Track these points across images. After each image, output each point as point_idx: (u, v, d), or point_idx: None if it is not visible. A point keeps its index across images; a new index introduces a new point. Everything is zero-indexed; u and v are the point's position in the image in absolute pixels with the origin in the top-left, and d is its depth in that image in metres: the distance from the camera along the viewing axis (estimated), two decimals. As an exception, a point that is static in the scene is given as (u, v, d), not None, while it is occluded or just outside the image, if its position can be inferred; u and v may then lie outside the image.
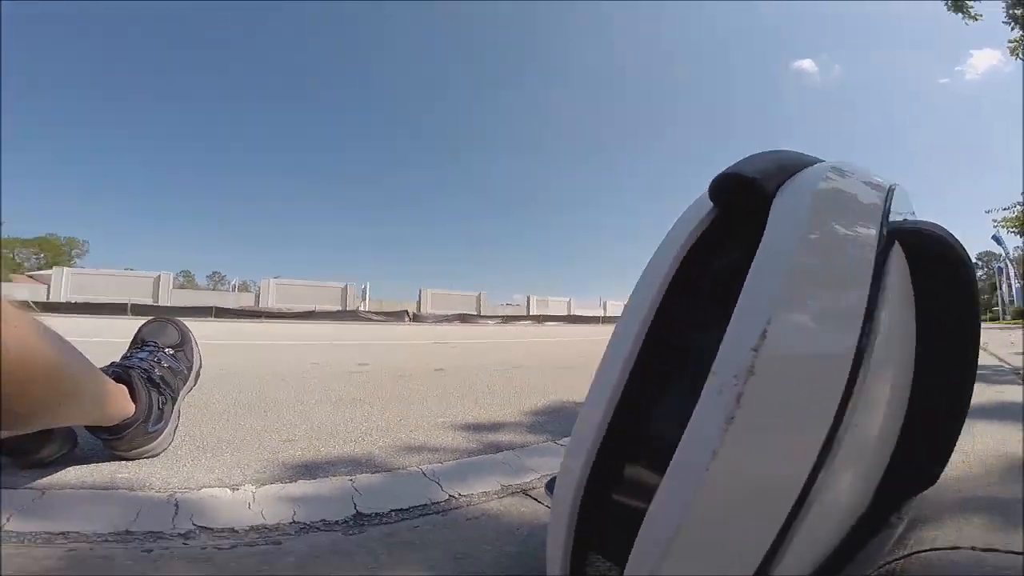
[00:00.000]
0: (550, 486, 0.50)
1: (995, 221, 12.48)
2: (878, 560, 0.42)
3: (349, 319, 20.10)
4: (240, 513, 0.72)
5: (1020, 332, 6.16)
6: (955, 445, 0.40)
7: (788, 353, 0.22)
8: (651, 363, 0.28)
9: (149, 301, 18.85)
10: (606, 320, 32.61)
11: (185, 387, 1.10)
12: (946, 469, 0.79)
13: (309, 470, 0.94)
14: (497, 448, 1.16)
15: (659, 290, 0.29)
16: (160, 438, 0.95)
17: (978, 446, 0.95)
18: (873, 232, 0.28)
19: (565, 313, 34.32)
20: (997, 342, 4.19)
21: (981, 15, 8.37)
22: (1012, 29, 8.57)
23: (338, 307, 23.60)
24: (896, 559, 0.46)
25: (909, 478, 0.40)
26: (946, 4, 8.55)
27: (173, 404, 1.02)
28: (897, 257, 0.30)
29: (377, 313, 23.23)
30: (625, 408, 0.27)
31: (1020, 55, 8.70)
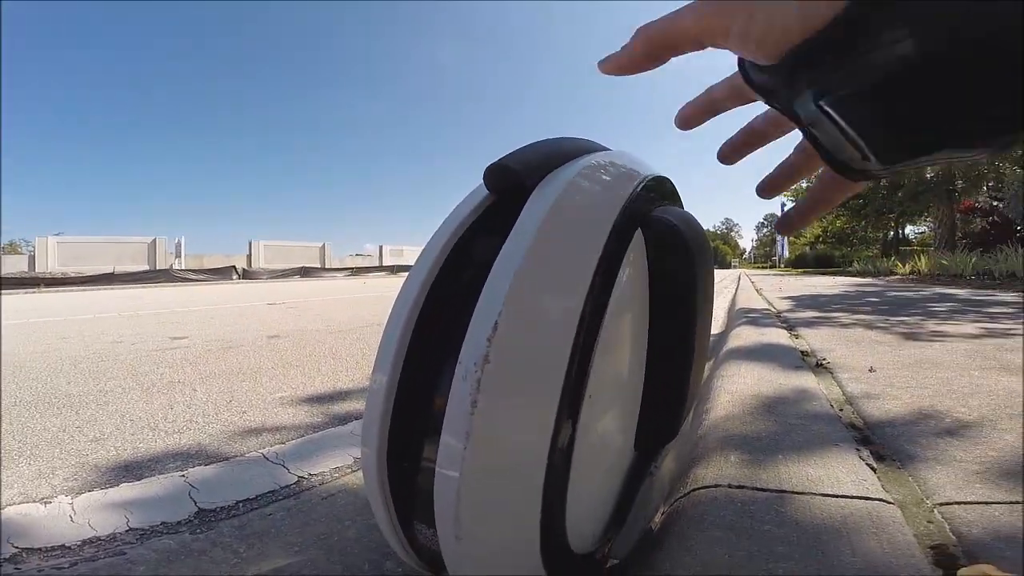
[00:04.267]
0: None
1: (785, 192, 15.76)
2: (655, 503, 0.49)
3: (161, 280, 17.22)
4: (63, 528, 0.67)
5: (789, 279, 7.92)
6: (687, 402, 0.46)
7: (519, 338, 0.26)
8: (425, 342, 0.30)
9: None
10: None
11: None
12: (716, 408, 0.95)
13: (130, 470, 0.87)
14: (344, 419, 1.15)
15: (429, 274, 0.31)
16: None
17: (741, 387, 1.06)
18: (608, 223, 0.31)
19: (418, 263, 33.79)
20: (768, 286, 5.23)
21: None
22: None
23: (145, 266, 20.03)
24: (678, 498, 0.56)
25: (656, 432, 0.45)
26: None
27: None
28: (637, 241, 0.35)
29: (197, 271, 20.19)
30: (406, 385, 0.30)
31: None
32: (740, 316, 2.50)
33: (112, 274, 16.11)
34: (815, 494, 0.56)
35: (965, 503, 0.56)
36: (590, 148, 0.38)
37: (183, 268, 20.46)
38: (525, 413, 0.27)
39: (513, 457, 0.27)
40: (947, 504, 0.56)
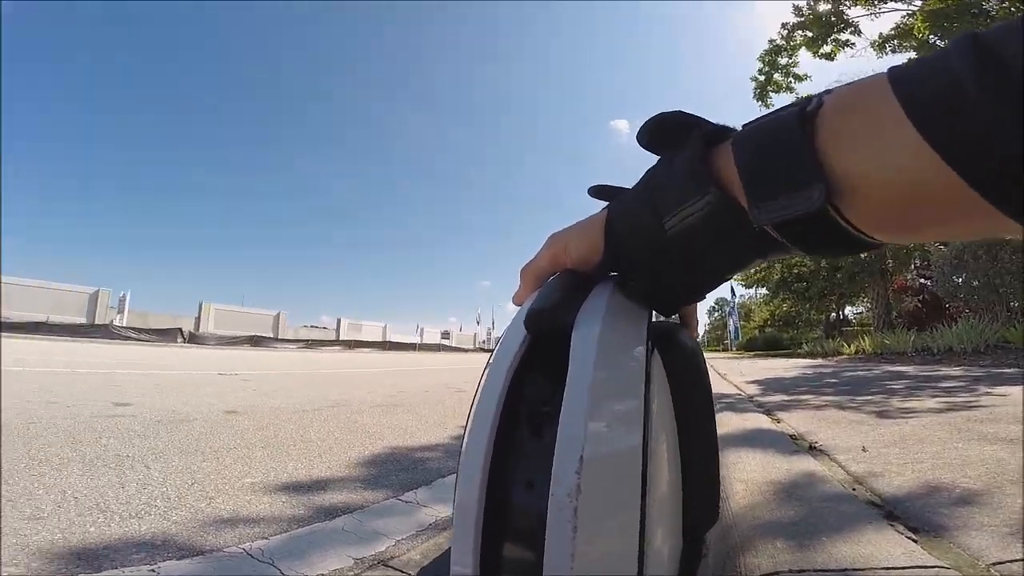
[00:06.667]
0: None
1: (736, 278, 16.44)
2: None
3: (98, 336, 16.08)
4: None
5: (745, 362, 8.11)
6: (719, 484, 0.51)
7: (600, 465, 0.29)
8: (498, 466, 0.32)
9: None
10: (422, 347, 32.50)
11: None
12: (734, 496, 0.99)
13: (84, 559, 0.75)
14: (330, 512, 1.02)
15: (495, 416, 0.33)
16: None
17: (751, 475, 1.10)
18: (642, 344, 0.35)
19: (380, 339, 33.10)
20: (730, 370, 5.34)
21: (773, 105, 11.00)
22: None
23: (82, 319, 18.72)
24: None
25: (700, 519, 0.49)
26: (753, 93, 11.05)
27: None
28: (657, 361, 0.37)
29: (139, 330, 19.05)
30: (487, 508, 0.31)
31: None
32: (716, 401, 2.56)
33: (44, 323, 14.93)
34: (877, 568, 0.56)
35: (1016, 560, 0.59)
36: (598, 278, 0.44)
37: (124, 325, 19.23)
38: (615, 528, 0.30)
39: (610, 569, 0.30)
40: (1000, 563, 0.59)
